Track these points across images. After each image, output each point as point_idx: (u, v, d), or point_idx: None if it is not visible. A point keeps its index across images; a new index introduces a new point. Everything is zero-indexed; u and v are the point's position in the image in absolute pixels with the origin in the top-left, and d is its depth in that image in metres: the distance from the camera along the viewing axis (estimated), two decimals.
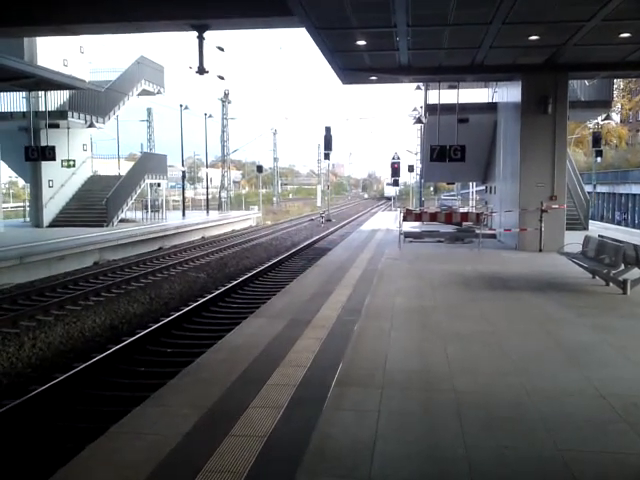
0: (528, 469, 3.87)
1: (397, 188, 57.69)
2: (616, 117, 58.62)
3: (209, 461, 3.94)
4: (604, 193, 50.07)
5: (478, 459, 3.99)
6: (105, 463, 3.94)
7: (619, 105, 62.05)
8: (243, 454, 4.03)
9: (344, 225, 40.43)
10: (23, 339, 10.67)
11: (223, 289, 14.90)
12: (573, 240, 13.34)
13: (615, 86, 48.65)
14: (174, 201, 49.37)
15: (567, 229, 17.22)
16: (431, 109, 22.13)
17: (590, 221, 25.66)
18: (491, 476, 3.79)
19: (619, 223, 41.25)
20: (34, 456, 6.07)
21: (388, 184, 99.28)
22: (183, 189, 44.18)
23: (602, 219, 44.64)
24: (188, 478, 3.70)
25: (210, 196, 47.22)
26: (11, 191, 60.70)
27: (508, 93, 19.04)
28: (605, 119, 27.66)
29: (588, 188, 37.05)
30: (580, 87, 22.96)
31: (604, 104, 23.20)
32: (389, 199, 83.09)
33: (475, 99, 23.35)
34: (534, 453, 4.09)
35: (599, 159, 37.17)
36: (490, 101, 23.35)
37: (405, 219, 18.40)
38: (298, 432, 4.40)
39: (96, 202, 28.08)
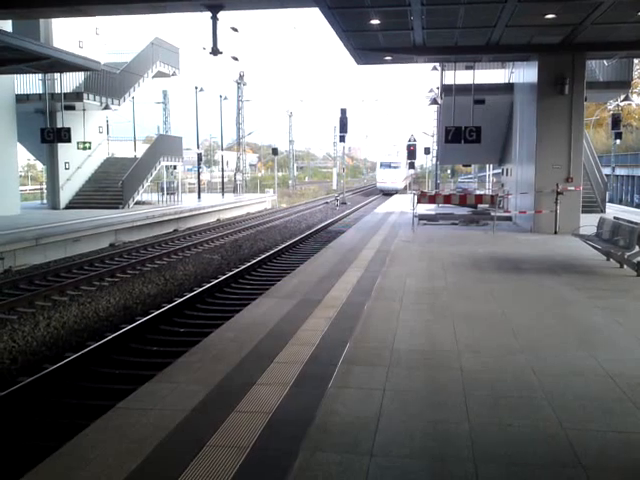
0: (531, 447, 3.86)
1: (411, 172, 53.80)
2: (637, 99, 57.56)
3: (214, 436, 3.98)
4: (623, 176, 49.39)
5: (481, 436, 3.99)
6: (111, 437, 3.99)
7: None
8: (248, 430, 4.08)
9: (359, 208, 40.30)
10: (38, 318, 10.81)
11: (237, 270, 14.97)
12: (589, 222, 13.21)
13: (637, 67, 47.74)
14: (190, 184, 49.49)
15: (584, 212, 17.06)
16: (447, 90, 21.89)
17: (608, 204, 25.38)
18: (494, 453, 3.79)
19: (638, 206, 40.70)
20: (45, 430, 6.19)
21: (384, 165, 61.45)
22: (199, 172, 44.27)
23: (621, 202, 44.12)
24: (192, 452, 3.75)
25: (226, 179, 47.29)
26: (29, 174, 61.24)
27: (524, 74, 18.79)
28: (624, 100, 27.19)
29: (607, 170, 36.61)
30: (599, 67, 22.58)
31: (623, 85, 22.78)
32: (387, 194, 52.28)
33: (492, 80, 23.05)
34: (538, 431, 4.08)
35: (618, 141, 36.63)
36: (507, 82, 23.04)
37: (419, 201, 18.35)
38: (303, 409, 4.44)
39: (112, 184, 28.27)
